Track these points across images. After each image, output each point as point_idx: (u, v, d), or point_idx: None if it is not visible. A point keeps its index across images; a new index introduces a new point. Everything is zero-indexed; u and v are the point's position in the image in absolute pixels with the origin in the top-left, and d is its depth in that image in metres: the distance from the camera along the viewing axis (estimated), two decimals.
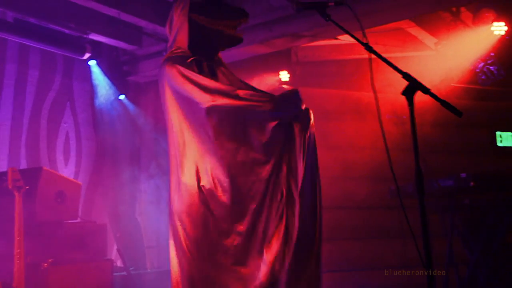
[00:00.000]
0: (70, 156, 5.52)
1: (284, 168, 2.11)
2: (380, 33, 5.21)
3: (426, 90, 1.71)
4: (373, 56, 1.90)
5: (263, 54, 5.27)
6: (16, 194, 2.98)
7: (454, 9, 4.82)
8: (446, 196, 3.79)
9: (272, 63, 5.51)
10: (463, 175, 3.49)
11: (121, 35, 5.30)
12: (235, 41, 2.39)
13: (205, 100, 2.06)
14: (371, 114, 4.27)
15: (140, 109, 5.99)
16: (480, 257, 3.83)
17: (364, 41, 1.93)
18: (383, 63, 6.27)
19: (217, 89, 2.09)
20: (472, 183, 3.42)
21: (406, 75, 1.75)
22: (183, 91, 2.13)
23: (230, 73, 2.42)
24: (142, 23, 5.03)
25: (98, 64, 5.63)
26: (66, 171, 5.44)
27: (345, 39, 5.06)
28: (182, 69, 2.16)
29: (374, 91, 1.87)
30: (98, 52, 5.64)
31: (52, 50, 5.23)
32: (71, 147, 5.55)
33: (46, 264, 3.07)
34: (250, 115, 2.07)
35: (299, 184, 2.14)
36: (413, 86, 1.73)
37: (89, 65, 5.62)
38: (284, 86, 5.32)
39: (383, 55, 6.70)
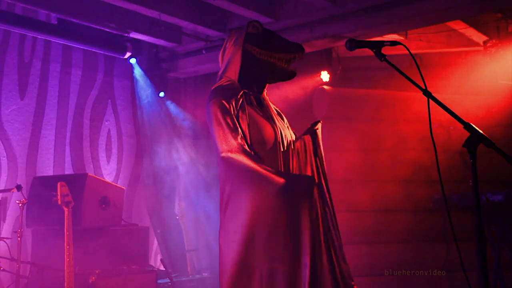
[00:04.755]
0: (112, 154, 5.63)
1: None
2: (424, 29, 5.01)
3: (489, 144, 1.59)
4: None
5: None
6: (65, 209, 3.05)
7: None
8: (494, 209, 3.67)
9: (313, 62, 5.38)
10: None
11: (161, 34, 5.31)
12: (287, 76, 2.31)
13: (223, 149, 2.08)
14: (419, 116, 4.15)
15: (179, 105, 6.03)
16: None
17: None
18: (435, 58, 5.95)
19: (240, 145, 2.08)
20: None
21: (468, 126, 1.62)
22: (212, 133, 2.16)
23: (274, 108, 2.38)
24: (183, 23, 5.01)
25: (137, 61, 5.66)
26: (109, 168, 5.56)
27: (391, 37, 4.88)
28: (219, 113, 2.13)
29: (432, 136, 1.78)
30: (138, 49, 5.66)
31: (95, 50, 5.29)
32: (112, 144, 5.65)
33: (94, 278, 3.16)
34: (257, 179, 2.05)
35: None
36: (475, 138, 1.61)
37: (129, 63, 5.66)
38: (325, 86, 5.22)
39: (427, 51, 6.37)
